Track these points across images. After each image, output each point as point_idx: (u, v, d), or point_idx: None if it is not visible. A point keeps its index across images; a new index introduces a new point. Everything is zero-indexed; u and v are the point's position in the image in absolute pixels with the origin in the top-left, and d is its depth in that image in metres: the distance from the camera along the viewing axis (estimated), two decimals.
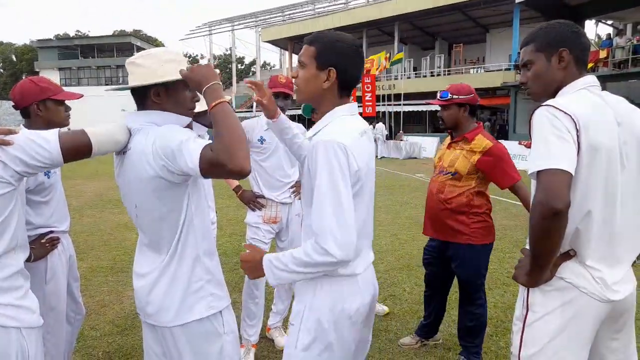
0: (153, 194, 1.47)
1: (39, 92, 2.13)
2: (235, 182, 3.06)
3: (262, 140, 3.01)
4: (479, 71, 27.97)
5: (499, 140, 3.02)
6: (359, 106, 23.41)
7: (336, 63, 1.48)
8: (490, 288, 4.13)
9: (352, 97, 1.70)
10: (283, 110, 2.91)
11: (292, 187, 3.11)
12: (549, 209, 1.30)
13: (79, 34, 68.37)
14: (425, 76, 29.86)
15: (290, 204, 3.11)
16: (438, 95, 2.83)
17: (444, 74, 28.97)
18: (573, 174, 1.34)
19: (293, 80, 1.59)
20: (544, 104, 1.45)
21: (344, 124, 1.48)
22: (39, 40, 54.78)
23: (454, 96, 2.73)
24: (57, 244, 2.18)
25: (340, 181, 1.36)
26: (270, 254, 1.46)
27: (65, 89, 2.31)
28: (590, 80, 1.53)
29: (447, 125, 2.82)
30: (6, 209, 1.38)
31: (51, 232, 2.17)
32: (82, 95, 2.33)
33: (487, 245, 2.77)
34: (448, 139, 2.91)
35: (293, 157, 3.20)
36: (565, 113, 1.38)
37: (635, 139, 1.49)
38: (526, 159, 14.95)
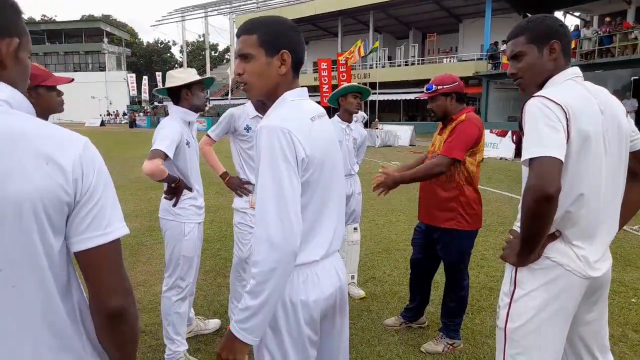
0: None
1: (30, 78, 2.13)
2: (222, 169, 3.11)
3: (247, 128, 3.06)
4: (452, 61, 28.42)
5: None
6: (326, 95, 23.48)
7: (287, 44, 1.38)
8: (471, 268, 4.31)
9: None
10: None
11: None
12: (541, 194, 1.39)
13: (45, 18, 65.83)
14: (399, 65, 30.13)
15: None
16: (425, 88, 2.93)
17: (418, 63, 29.29)
18: (563, 161, 1.44)
19: (239, 76, 1.42)
20: (535, 94, 1.55)
21: (292, 109, 1.39)
22: None
23: (439, 87, 2.83)
24: None
25: (284, 170, 1.27)
26: (231, 323, 1.32)
27: None
28: (575, 71, 1.63)
29: (437, 115, 2.91)
30: None
31: None
32: (72, 79, 2.33)
33: (471, 232, 2.90)
34: (440, 125, 3.01)
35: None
36: (556, 103, 1.47)
37: (616, 126, 1.60)
38: (497, 147, 15.36)
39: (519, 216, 1.59)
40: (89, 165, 0.94)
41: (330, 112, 3.64)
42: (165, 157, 2.44)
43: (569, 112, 1.47)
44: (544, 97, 1.50)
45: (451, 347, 2.95)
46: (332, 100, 3.76)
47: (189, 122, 2.76)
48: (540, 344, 1.57)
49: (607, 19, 18.43)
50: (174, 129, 2.57)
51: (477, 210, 2.85)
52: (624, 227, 5.76)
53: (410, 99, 27.37)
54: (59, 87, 2.23)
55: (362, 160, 4.34)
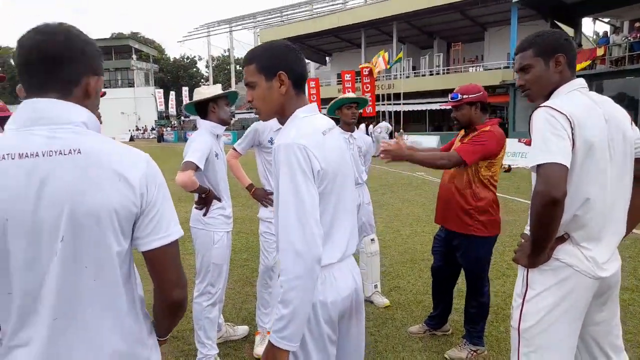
0: None
1: None
2: (248, 181, 3.24)
3: (272, 141, 3.19)
4: (477, 69, 28.18)
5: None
6: None
7: (281, 65, 1.50)
8: (491, 279, 4.30)
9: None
10: None
11: None
12: (548, 198, 1.47)
13: None
14: (424, 75, 30.04)
15: None
16: (449, 97, 3.00)
17: (443, 73, 29.15)
18: (569, 167, 1.51)
19: (249, 103, 1.58)
20: (542, 105, 1.63)
21: (305, 125, 1.49)
22: None
23: (464, 96, 2.90)
24: None
25: (302, 183, 1.36)
26: (270, 334, 1.41)
27: None
28: (581, 82, 1.71)
29: (461, 124, 2.97)
30: None
31: None
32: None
33: (490, 238, 2.94)
34: (462, 132, 3.06)
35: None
36: (561, 113, 1.56)
37: (621, 133, 1.66)
38: (525, 157, 15.14)
39: (529, 220, 1.65)
40: (152, 181, 1.14)
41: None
42: (196, 168, 2.58)
43: (573, 122, 1.54)
44: (550, 107, 1.57)
45: (475, 353, 2.97)
46: (330, 112, 3.87)
47: (217, 135, 2.90)
48: (552, 342, 1.63)
49: (638, 24, 18.02)
50: (203, 142, 2.72)
51: (494, 216, 2.89)
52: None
53: (435, 109, 27.26)
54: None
55: (373, 168, 4.39)
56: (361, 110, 4.05)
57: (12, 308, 1.06)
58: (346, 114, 3.77)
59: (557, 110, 1.56)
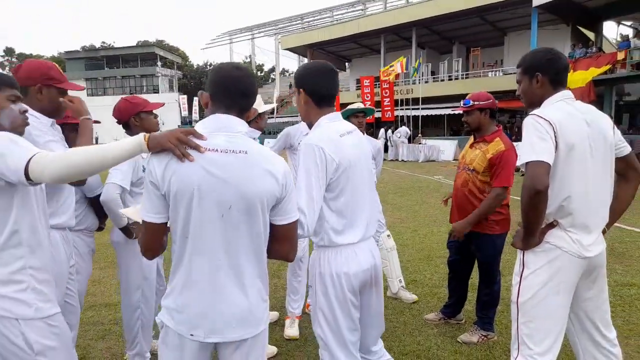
0: None
1: (132, 107, 2.71)
2: None
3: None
4: (497, 74, 28.15)
5: (517, 143, 3.38)
6: (377, 111, 23.87)
7: (302, 84, 1.94)
8: (504, 274, 4.56)
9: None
10: None
11: None
12: (533, 190, 1.79)
13: (105, 45, 70.33)
14: (443, 80, 30.15)
15: None
16: (461, 102, 3.32)
17: (462, 78, 29.20)
18: (551, 164, 1.82)
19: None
20: (531, 113, 1.95)
21: (325, 130, 1.89)
22: (66, 52, 56.53)
23: (475, 102, 3.21)
24: None
25: (314, 175, 1.78)
26: None
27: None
28: (566, 94, 2.02)
29: (471, 128, 3.28)
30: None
31: None
32: (163, 104, 2.90)
33: (502, 234, 3.23)
34: (471, 139, 3.38)
35: None
36: (545, 119, 1.87)
37: (601, 136, 1.97)
38: None
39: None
40: (288, 177, 1.57)
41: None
42: None
43: (556, 127, 1.85)
44: (536, 115, 1.89)
45: (485, 338, 3.26)
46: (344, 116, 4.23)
47: (254, 138, 3.27)
48: (545, 313, 1.93)
49: None
50: None
51: (506, 215, 3.18)
52: None
53: (454, 114, 27.34)
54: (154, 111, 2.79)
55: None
56: (379, 115, 4.38)
57: (186, 249, 1.49)
58: (353, 122, 4.12)
59: (542, 118, 1.87)
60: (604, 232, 2.07)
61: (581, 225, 1.93)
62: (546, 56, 2.05)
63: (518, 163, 1.90)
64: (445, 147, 21.74)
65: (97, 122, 3.14)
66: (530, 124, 1.89)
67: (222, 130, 1.52)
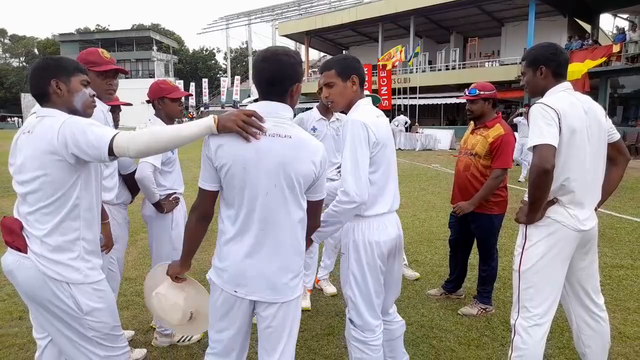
0: None
1: (158, 91, 2.89)
2: None
3: (314, 129, 3.75)
4: (494, 65, 28.33)
5: (515, 132, 3.65)
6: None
7: (355, 71, 2.16)
8: (501, 256, 4.83)
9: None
10: None
11: (338, 167, 3.84)
12: (542, 169, 2.01)
13: (99, 28, 69.51)
14: (440, 70, 30.28)
15: (337, 180, 3.84)
16: (466, 91, 3.54)
17: (459, 68, 29.34)
18: (556, 146, 2.05)
19: (326, 98, 2.21)
20: (537, 102, 2.18)
21: (365, 110, 2.12)
22: (60, 34, 55.98)
23: (481, 92, 3.44)
24: (179, 202, 2.95)
25: (358, 148, 1.99)
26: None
27: None
28: (566, 85, 2.25)
29: (475, 115, 3.51)
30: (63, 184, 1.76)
31: (174, 193, 2.94)
32: (191, 94, 3.08)
33: (500, 215, 3.48)
34: (472, 126, 3.60)
35: (338, 143, 3.93)
36: (551, 107, 2.10)
37: (597, 123, 2.20)
38: None
39: (528, 188, 2.19)
40: (324, 164, 1.79)
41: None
42: None
43: (560, 113, 2.07)
44: (543, 103, 2.11)
45: (484, 311, 3.52)
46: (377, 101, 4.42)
47: None
48: (543, 280, 2.18)
49: None
50: None
51: (504, 197, 3.44)
52: None
53: (450, 103, 27.53)
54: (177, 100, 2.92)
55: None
56: (377, 104, 4.56)
57: (239, 217, 1.72)
58: None
59: (548, 106, 2.09)
60: (595, 209, 2.31)
61: (578, 202, 2.17)
62: (550, 50, 2.27)
63: (528, 145, 2.11)
64: (441, 137, 21.97)
65: (128, 104, 3.32)
66: (537, 111, 2.11)
67: (270, 115, 1.71)
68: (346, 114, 2.22)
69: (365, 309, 2.18)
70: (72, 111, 1.83)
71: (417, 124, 24.13)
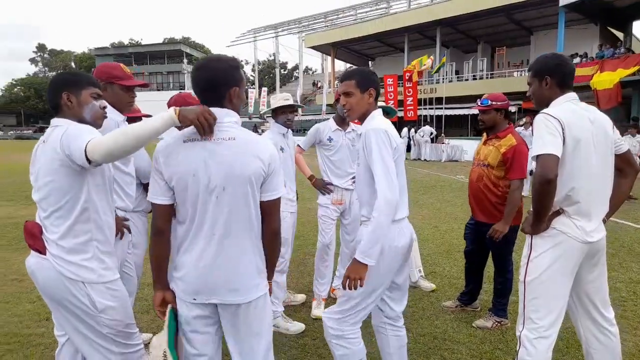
0: None
1: (180, 103, 3.01)
2: (309, 172, 3.89)
3: (330, 139, 3.83)
4: (522, 74, 27.85)
5: None
6: (399, 110, 23.94)
7: (373, 84, 2.28)
8: (516, 268, 4.77)
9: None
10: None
11: (353, 177, 3.90)
12: (544, 178, 2.02)
13: (133, 42, 71.83)
14: (467, 80, 29.99)
15: (352, 190, 3.91)
16: (478, 102, 3.55)
17: (487, 77, 28.99)
18: (559, 156, 2.05)
19: (343, 106, 2.34)
20: (541, 112, 2.18)
21: (381, 120, 2.24)
22: (96, 48, 58.10)
23: (493, 102, 3.45)
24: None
25: (385, 154, 2.10)
26: (356, 254, 2.09)
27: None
28: (571, 95, 2.25)
29: (486, 126, 3.53)
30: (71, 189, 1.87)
31: None
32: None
33: (515, 227, 3.45)
34: (484, 137, 3.61)
35: (354, 153, 3.99)
36: (554, 117, 2.10)
37: (603, 133, 2.20)
38: None
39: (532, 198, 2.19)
40: (274, 159, 1.82)
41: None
42: None
43: (563, 124, 2.07)
44: (546, 113, 2.12)
45: (499, 324, 3.49)
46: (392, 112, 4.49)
47: (283, 134, 3.54)
48: (549, 291, 2.17)
49: None
50: (270, 138, 3.36)
51: (519, 209, 3.40)
52: None
53: (477, 114, 27.09)
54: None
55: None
56: (402, 114, 4.62)
57: (192, 224, 1.75)
58: None
59: (552, 116, 2.10)
60: (604, 221, 2.29)
61: (585, 213, 2.15)
62: (555, 61, 2.28)
63: (531, 154, 2.12)
64: (468, 147, 21.68)
65: (148, 115, 3.47)
66: (541, 121, 2.12)
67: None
68: (360, 123, 2.34)
69: (355, 309, 2.26)
70: (82, 121, 1.95)
71: (443, 134, 23.91)
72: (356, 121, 2.64)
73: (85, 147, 1.72)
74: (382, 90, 28.06)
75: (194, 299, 1.78)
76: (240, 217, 1.76)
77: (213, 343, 1.87)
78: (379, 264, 2.16)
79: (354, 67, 3.06)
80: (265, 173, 1.78)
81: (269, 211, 1.85)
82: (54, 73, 75.56)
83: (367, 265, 2.07)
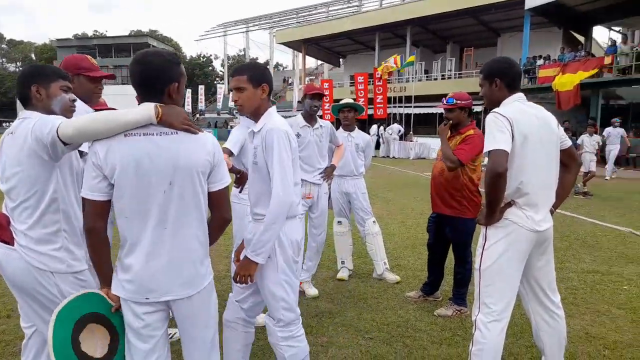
0: None
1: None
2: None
3: (298, 135, 3.89)
4: None
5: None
6: (369, 107, 24.18)
7: (266, 80, 2.21)
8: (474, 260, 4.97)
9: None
10: (317, 109, 3.87)
11: (321, 172, 3.98)
12: (495, 172, 2.16)
13: (97, 33, 69.73)
14: (436, 79, 30.54)
15: (320, 184, 3.98)
16: (443, 100, 3.68)
17: (455, 77, 29.62)
18: (509, 151, 2.19)
19: (235, 102, 2.24)
20: (492, 111, 2.33)
21: (279, 119, 2.22)
22: (58, 39, 56.10)
23: (458, 101, 3.59)
24: None
25: (285, 156, 2.08)
26: (247, 251, 2.13)
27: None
28: (520, 96, 2.40)
29: (451, 123, 3.66)
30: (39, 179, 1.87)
31: None
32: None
33: (474, 219, 3.60)
34: (448, 134, 3.74)
35: (322, 149, 4.09)
36: (503, 116, 2.25)
37: (549, 129, 2.36)
38: None
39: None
40: (218, 150, 1.84)
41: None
42: (230, 153, 3.25)
43: (512, 121, 2.22)
44: (496, 112, 2.27)
45: (459, 312, 3.64)
46: (334, 113, 4.68)
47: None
48: (502, 278, 2.31)
49: None
50: (239, 133, 3.39)
51: (477, 201, 3.57)
52: (633, 231, 6.27)
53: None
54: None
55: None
56: (372, 112, 4.79)
57: (135, 221, 1.73)
58: (340, 116, 4.53)
59: (501, 114, 2.25)
60: (551, 212, 2.45)
61: (533, 204, 2.31)
62: (503, 65, 2.44)
63: (484, 150, 2.26)
64: (436, 145, 22.06)
65: (113, 109, 3.43)
66: (491, 120, 2.26)
67: None
68: (255, 120, 2.28)
69: (294, 301, 2.28)
70: (51, 114, 1.96)
71: (411, 132, 24.31)
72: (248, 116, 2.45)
73: (58, 127, 1.75)
74: (352, 88, 28.37)
75: (147, 298, 1.76)
76: (190, 208, 1.77)
77: (163, 339, 1.86)
78: (288, 257, 2.22)
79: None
80: (211, 164, 1.80)
81: (219, 201, 1.87)
82: (12, 65, 72.90)
83: (257, 263, 2.11)
